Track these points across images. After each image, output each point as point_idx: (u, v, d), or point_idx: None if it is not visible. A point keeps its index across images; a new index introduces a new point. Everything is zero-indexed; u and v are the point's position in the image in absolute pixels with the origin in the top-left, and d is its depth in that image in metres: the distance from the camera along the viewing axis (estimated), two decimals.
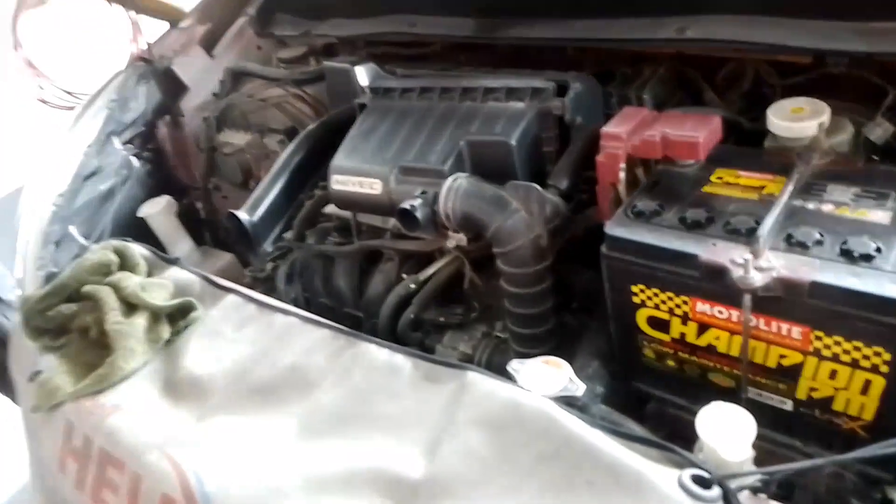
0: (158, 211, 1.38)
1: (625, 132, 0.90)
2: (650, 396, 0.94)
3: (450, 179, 0.95)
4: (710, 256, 0.73)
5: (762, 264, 0.70)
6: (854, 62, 0.99)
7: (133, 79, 1.56)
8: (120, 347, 0.89)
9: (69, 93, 3.17)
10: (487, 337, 1.08)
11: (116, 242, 1.09)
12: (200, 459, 0.73)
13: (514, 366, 0.77)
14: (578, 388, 0.72)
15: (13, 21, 3.93)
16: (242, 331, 0.91)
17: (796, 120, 0.92)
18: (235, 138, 1.60)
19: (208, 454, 0.73)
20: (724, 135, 1.12)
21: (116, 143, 1.46)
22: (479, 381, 0.73)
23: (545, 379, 0.74)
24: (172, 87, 1.66)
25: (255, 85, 1.67)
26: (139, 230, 1.41)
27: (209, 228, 1.68)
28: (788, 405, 0.79)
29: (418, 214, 0.94)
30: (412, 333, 1.10)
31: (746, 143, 1.04)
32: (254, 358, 0.86)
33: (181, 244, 1.43)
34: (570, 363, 0.92)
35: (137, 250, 1.10)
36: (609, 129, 0.91)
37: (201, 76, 1.70)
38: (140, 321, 0.93)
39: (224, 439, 0.76)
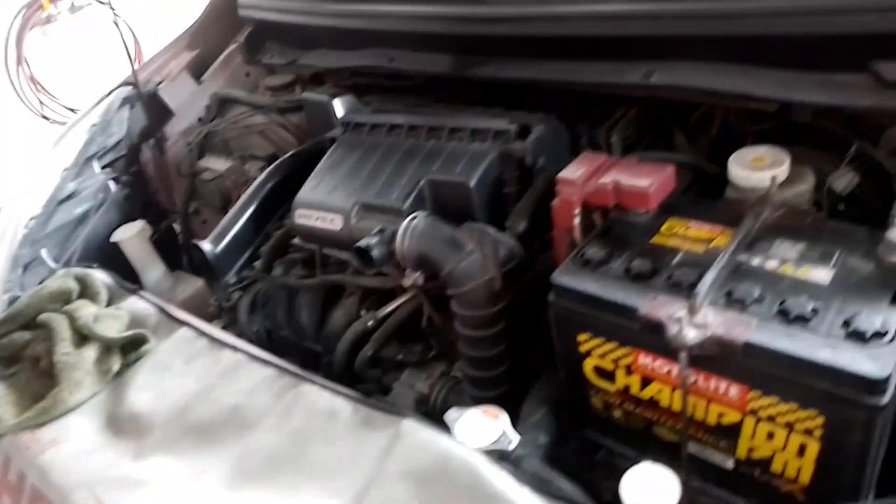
0: (131, 236, 1.38)
1: (579, 178, 0.90)
2: (600, 445, 0.93)
3: (407, 219, 0.95)
4: (648, 311, 0.72)
5: (698, 321, 0.69)
6: (818, 112, 0.99)
7: (117, 102, 1.57)
8: (65, 379, 0.89)
9: (72, 110, 3.21)
10: (445, 376, 1.07)
11: (78, 270, 1.09)
12: (128, 502, 0.72)
13: (452, 415, 0.76)
14: (512, 442, 0.71)
15: (18, 38, 4.02)
16: (190, 365, 0.91)
17: (755, 170, 0.92)
18: (217, 164, 1.61)
19: (137, 498, 0.73)
20: (690, 180, 1.14)
21: (96, 166, 1.47)
22: (414, 431, 0.73)
23: (481, 430, 0.73)
24: (158, 111, 1.68)
25: (240, 112, 1.68)
26: (112, 254, 1.42)
27: (187, 253, 1.68)
28: (730, 463, 0.77)
29: (374, 253, 0.94)
30: (370, 370, 1.10)
31: (713, 188, 1.04)
32: (198, 395, 0.86)
33: (153, 270, 1.43)
34: (518, 409, 0.93)
35: (99, 278, 1.10)
36: (564, 174, 0.91)
37: (188, 101, 1.72)
38: (90, 353, 0.93)
39: (156, 482, 0.75)
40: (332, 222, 1.04)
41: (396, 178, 1.03)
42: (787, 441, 0.70)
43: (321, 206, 1.06)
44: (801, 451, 0.69)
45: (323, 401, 0.80)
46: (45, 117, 4.10)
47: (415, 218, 0.95)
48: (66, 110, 3.98)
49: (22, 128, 3.85)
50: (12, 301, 1.16)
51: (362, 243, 0.94)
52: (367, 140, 1.15)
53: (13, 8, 4.00)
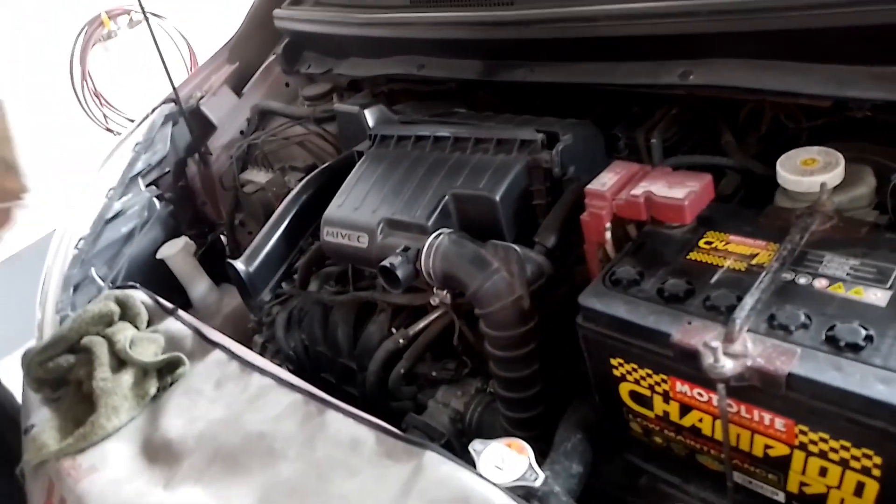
0: (176, 252, 1.41)
1: (609, 191, 0.85)
2: (642, 469, 0.88)
3: (432, 236, 0.93)
4: (682, 338, 0.67)
5: (736, 350, 0.63)
6: (878, 107, 0.91)
7: (160, 120, 1.61)
8: (102, 405, 0.90)
9: (133, 120, 3.33)
10: (481, 393, 1.04)
11: (119, 292, 1.12)
12: None
13: (476, 446, 0.73)
14: (538, 478, 0.68)
15: (81, 55, 4.20)
16: (221, 390, 0.91)
17: (806, 174, 0.85)
18: (258, 176, 1.62)
19: None
20: (738, 183, 1.07)
21: (141, 184, 1.51)
22: (436, 465, 0.71)
23: (506, 464, 0.70)
24: (201, 126, 1.71)
25: (279, 123, 1.70)
26: (159, 270, 1.45)
27: (227, 270, 1.71)
28: (780, 497, 0.72)
29: (399, 273, 0.91)
30: (405, 387, 1.08)
31: (764, 191, 0.97)
32: (226, 421, 0.86)
33: (199, 284, 1.46)
34: (553, 435, 0.89)
35: (139, 298, 1.12)
36: (593, 186, 0.86)
37: (229, 115, 1.74)
38: (127, 377, 0.95)
39: None
40: (358, 240, 1.02)
41: (421, 193, 1.01)
42: (842, 479, 0.64)
43: (347, 224, 1.04)
44: (859, 490, 0.63)
45: (347, 429, 0.78)
46: (109, 130, 4.28)
47: (439, 235, 0.93)
48: (130, 122, 4.13)
49: (89, 141, 4.03)
50: (63, 321, 1.20)
51: (387, 262, 0.92)
52: (393, 153, 1.13)
53: (76, 26, 4.18)
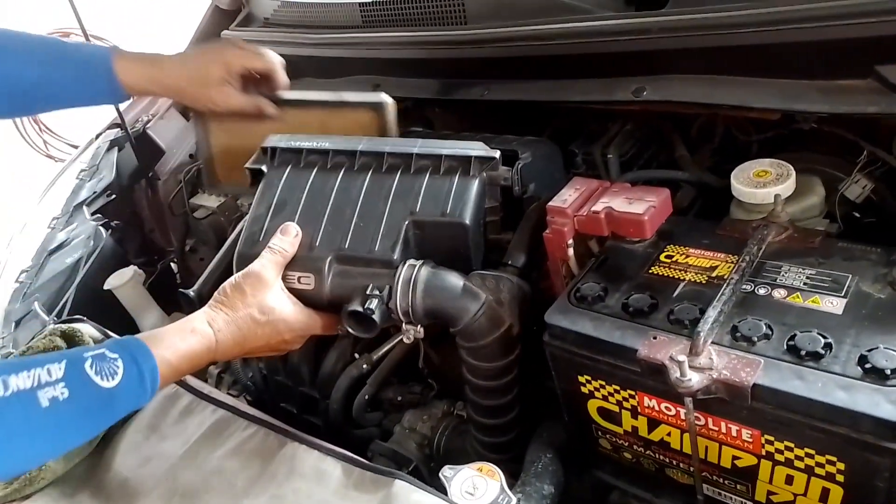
0: (124, 282, 1.35)
1: (570, 207, 0.85)
2: (612, 486, 0.88)
3: (405, 269, 0.86)
4: (648, 353, 0.67)
5: (702, 363, 0.64)
6: (824, 119, 0.94)
7: (105, 146, 1.55)
8: None
9: (76, 147, 3.22)
10: (448, 416, 1.03)
11: (65, 326, 1.06)
12: None
13: (447, 472, 0.71)
14: (511, 501, 0.67)
15: None
16: (176, 425, 0.87)
17: (759, 185, 0.87)
18: (209, 201, 1.58)
19: None
20: (693, 195, 1.09)
21: (86, 212, 1.45)
22: (406, 494, 0.69)
23: (477, 489, 0.69)
24: (148, 151, 1.65)
25: None
26: (108, 301, 1.39)
27: (180, 299, 1.66)
28: None
29: (377, 317, 0.83)
30: (369, 414, 1.05)
31: (719, 201, 0.99)
32: (184, 458, 0.82)
33: (149, 315, 1.40)
34: (524, 454, 0.88)
35: (87, 332, 1.07)
36: (554, 203, 0.86)
37: (178, 138, 1.69)
38: None
39: None
40: (300, 281, 0.89)
41: (371, 222, 0.90)
42: (807, 486, 0.65)
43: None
44: (825, 496, 0.64)
45: (311, 462, 0.76)
46: (50, 156, 4.12)
47: (414, 268, 0.86)
48: (73, 148, 4.00)
49: (28, 169, 3.87)
50: (6, 358, 1.13)
51: (358, 307, 0.84)
52: (306, 173, 0.97)
53: None
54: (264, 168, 1.01)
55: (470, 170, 0.91)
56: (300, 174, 0.98)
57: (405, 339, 0.89)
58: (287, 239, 0.89)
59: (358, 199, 0.92)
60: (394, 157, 0.95)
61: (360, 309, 0.83)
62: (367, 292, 0.84)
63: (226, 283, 0.86)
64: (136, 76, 1.05)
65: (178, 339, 0.76)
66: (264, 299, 0.84)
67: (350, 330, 0.86)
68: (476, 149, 0.92)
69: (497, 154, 0.92)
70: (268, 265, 0.86)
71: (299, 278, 0.89)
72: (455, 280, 0.86)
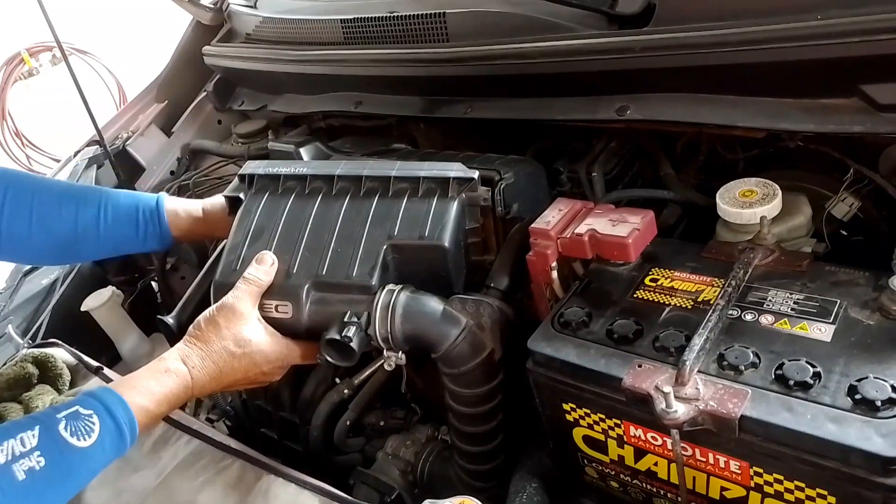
0: (102, 304, 1.32)
1: (554, 229, 0.83)
2: None
3: (383, 294, 0.84)
4: (633, 382, 0.65)
5: (688, 394, 0.62)
6: (809, 137, 0.93)
7: (83, 163, 1.52)
8: None
9: (59, 161, 3.18)
10: (432, 441, 1.00)
11: (37, 352, 1.04)
12: None
13: None
14: None
15: (0, 94, 4.01)
16: (150, 456, 0.85)
17: (745, 206, 0.86)
18: None
19: None
20: (679, 214, 1.07)
21: None
22: None
23: None
24: (128, 168, 1.63)
25: (211, 163, 1.63)
26: (85, 322, 1.36)
27: (167, 311, 1.62)
28: None
29: (355, 345, 0.81)
30: (351, 440, 1.03)
31: (705, 220, 0.98)
32: (156, 492, 0.79)
33: (128, 337, 1.37)
34: (509, 482, 0.86)
35: (60, 357, 1.04)
36: (538, 225, 0.85)
37: (158, 155, 1.67)
38: None
39: None
40: (277, 310, 0.86)
41: (348, 246, 0.87)
42: None
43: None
44: None
45: (288, 496, 0.73)
46: (31, 171, 4.07)
47: (392, 293, 0.84)
48: (56, 162, 3.96)
49: None
50: None
51: (335, 335, 0.81)
52: (284, 199, 0.95)
53: None
54: (242, 196, 0.98)
55: (448, 191, 0.89)
56: (278, 200, 0.95)
57: (386, 367, 0.87)
58: (262, 268, 0.87)
59: (336, 224, 0.90)
60: (372, 181, 0.92)
61: (338, 337, 0.81)
62: (345, 319, 0.82)
63: (200, 317, 0.84)
64: (185, 231, 1.08)
65: (154, 383, 0.74)
66: (240, 332, 0.81)
67: (329, 359, 0.83)
68: (454, 170, 0.90)
69: (476, 175, 0.90)
70: (242, 296, 0.84)
71: (276, 307, 0.86)
72: (435, 305, 0.84)
